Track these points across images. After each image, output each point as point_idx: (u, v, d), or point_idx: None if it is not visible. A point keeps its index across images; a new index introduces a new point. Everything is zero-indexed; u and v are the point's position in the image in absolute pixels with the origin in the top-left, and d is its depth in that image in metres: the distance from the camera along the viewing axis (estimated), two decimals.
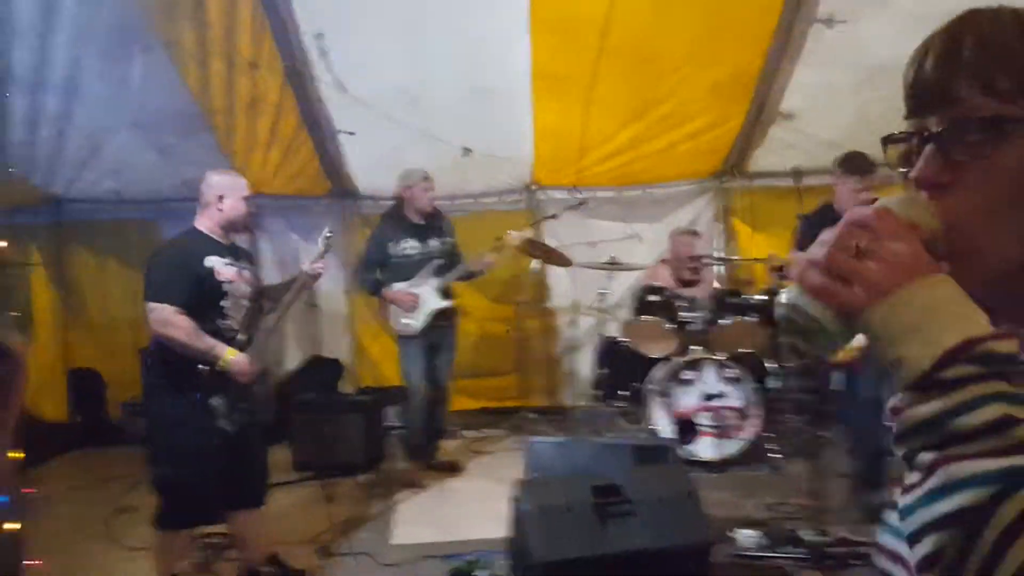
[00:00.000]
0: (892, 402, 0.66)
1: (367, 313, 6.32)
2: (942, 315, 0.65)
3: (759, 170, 6.10)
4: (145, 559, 3.47)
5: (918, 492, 0.62)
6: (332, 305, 6.52)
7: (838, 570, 3.42)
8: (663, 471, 3.39)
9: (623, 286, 6.05)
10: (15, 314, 4.16)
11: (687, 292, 5.44)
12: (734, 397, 4.97)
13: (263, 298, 3.53)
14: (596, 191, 6.29)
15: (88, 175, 5.52)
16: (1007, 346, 0.63)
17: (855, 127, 5.62)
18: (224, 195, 3.27)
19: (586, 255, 5.97)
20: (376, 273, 5.08)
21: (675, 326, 5.23)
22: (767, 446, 5.04)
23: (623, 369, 5.60)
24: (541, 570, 2.80)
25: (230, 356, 3.16)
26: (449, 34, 4.70)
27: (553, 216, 5.92)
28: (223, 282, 3.23)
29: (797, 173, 3.97)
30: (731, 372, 4.99)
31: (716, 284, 6.07)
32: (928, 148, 0.75)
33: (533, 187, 6.34)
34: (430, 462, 5.22)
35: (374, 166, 5.87)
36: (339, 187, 6.30)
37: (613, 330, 5.77)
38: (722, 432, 4.93)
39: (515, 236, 5.10)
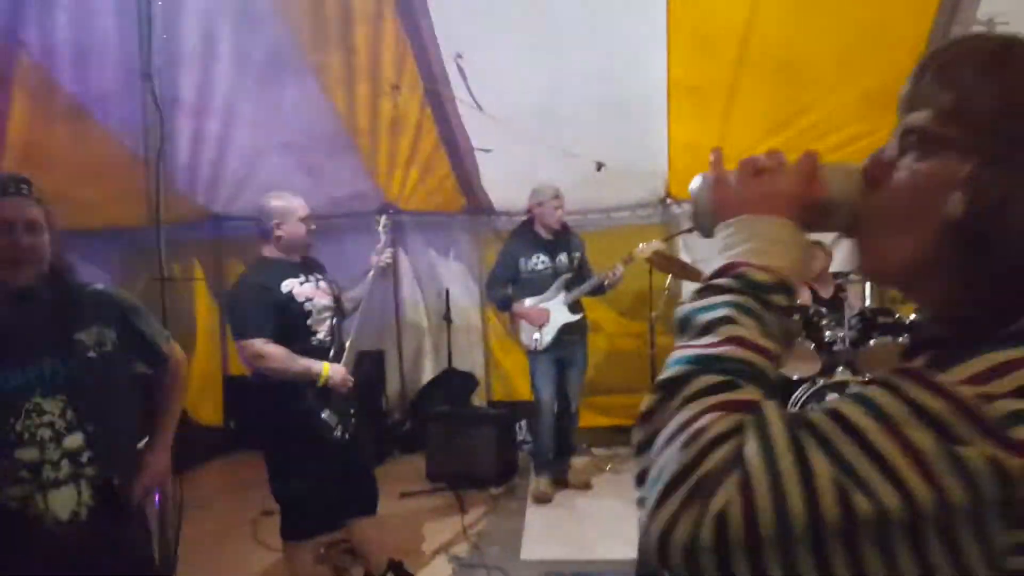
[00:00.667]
0: None
1: (500, 327, 6.41)
2: (751, 245, 0.85)
3: None
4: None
5: None
6: (466, 319, 6.64)
7: None
8: None
9: None
10: (179, 324, 4.50)
11: (830, 310, 5.18)
12: None
13: (341, 304, 3.60)
14: None
15: (245, 194, 5.89)
16: (761, 276, 0.82)
17: None
18: (281, 221, 3.32)
19: None
20: (507, 289, 5.13)
21: (817, 346, 4.98)
22: None
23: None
24: None
25: (326, 372, 3.25)
26: (584, 48, 4.69)
27: (689, 230, 5.75)
28: (303, 302, 3.29)
29: None
30: None
31: (867, 302, 5.76)
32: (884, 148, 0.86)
33: (668, 201, 6.23)
34: (560, 478, 5.21)
35: (508, 182, 5.95)
36: (474, 203, 6.42)
37: None
38: None
39: (645, 248, 5.02)
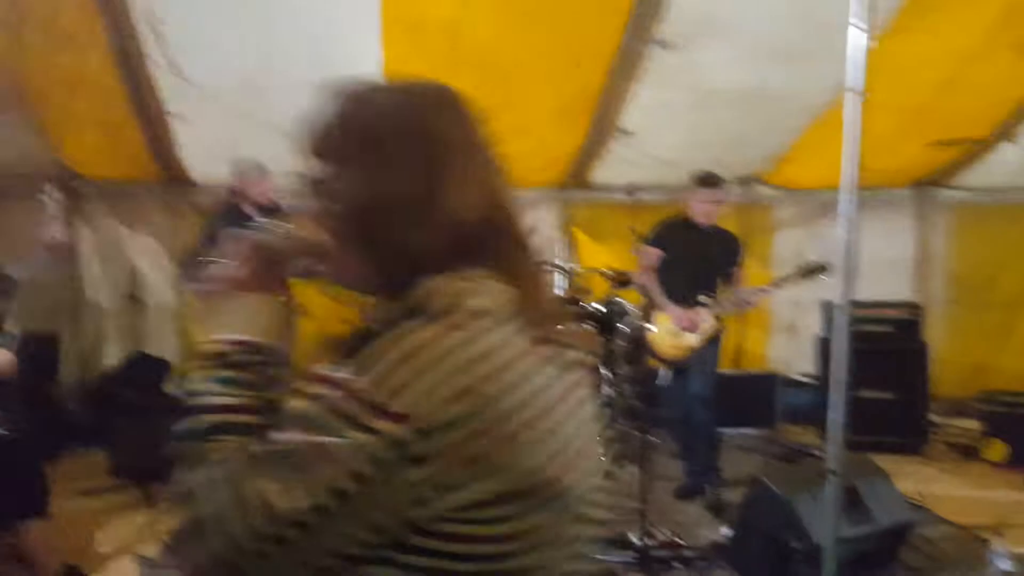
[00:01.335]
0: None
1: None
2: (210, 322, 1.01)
3: (599, 183, 6.31)
4: None
5: None
6: (159, 299, 6.13)
7: (662, 573, 3.58)
8: None
9: None
10: None
11: None
12: None
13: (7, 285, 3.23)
14: None
15: None
16: (213, 347, 0.98)
17: (689, 146, 5.94)
18: None
19: None
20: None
21: None
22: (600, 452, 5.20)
23: None
24: None
25: None
26: (294, 27, 4.54)
27: None
28: None
29: (632, 188, 4.20)
30: None
31: (559, 292, 6.22)
32: None
33: None
34: None
35: (212, 155, 5.57)
36: (170, 174, 5.93)
37: None
38: None
39: None
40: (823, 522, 2.85)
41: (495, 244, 0.97)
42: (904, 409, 5.64)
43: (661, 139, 5.74)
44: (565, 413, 0.93)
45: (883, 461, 4.99)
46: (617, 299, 5.55)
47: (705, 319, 4.59)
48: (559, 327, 1.00)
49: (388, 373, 0.82)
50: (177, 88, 4.95)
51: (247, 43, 4.64)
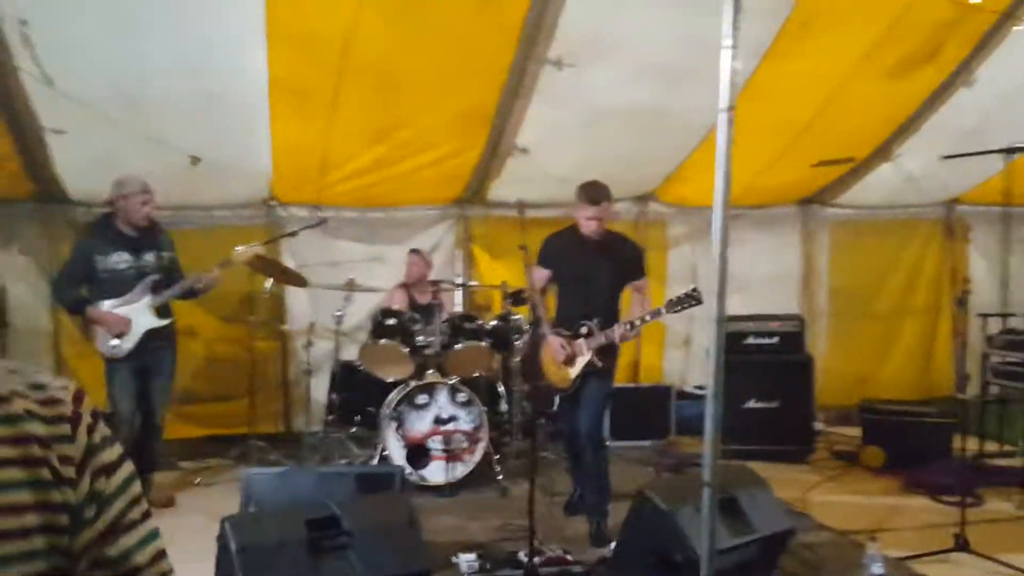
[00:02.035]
0: None
1: (75, 330, 5.68)
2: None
3: (497, 200, 6.33)
4: None
5: None
6: (32, 321, 5.79)
7: None
8: (385, 499, 3.35)
9: (363, 309, 5.97)
10: None
11: (424, 316, 5.48)
12: (465, 420, 5.06)
13: None
14: (339, 211, 6.18)
15: None
16: None
17: (583, 164, 5.98)
18: None
19: (328, 275, 5.83)
20: (78, 289, 4.59)
21: (411, 350, 5.24)
22: (496, 468, 5.18)
23: (359, 394, 5.52)
24: None
25: None
26: (174, 36, 4.37)
27: (292, 234, 5.70)
28: None
29: (521, 205, 4.19)
30: (463, 396, 5.09)
31: (459, 309, 6.20)
32: None
33: (272, 203, 6.08)
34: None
35: (88, 170, 5.31)
36: (45, 191, 5.63)
37: (350, 354, 5.68)
38: (453, 456, 5.00)
39: (242, 252, 4.83)
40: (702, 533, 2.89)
41: None
42: (789, 418, 5.84)
43: (555, 157, 5.80)
44: None
45: (769, 469, 5.15)
46: (514, 315, 5.57)
47: (583, 352, 4.26)
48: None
49: None
50: (52, 102, 4.70)
51: (123, 54, 4.45)
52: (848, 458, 5.77)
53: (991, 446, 5.59)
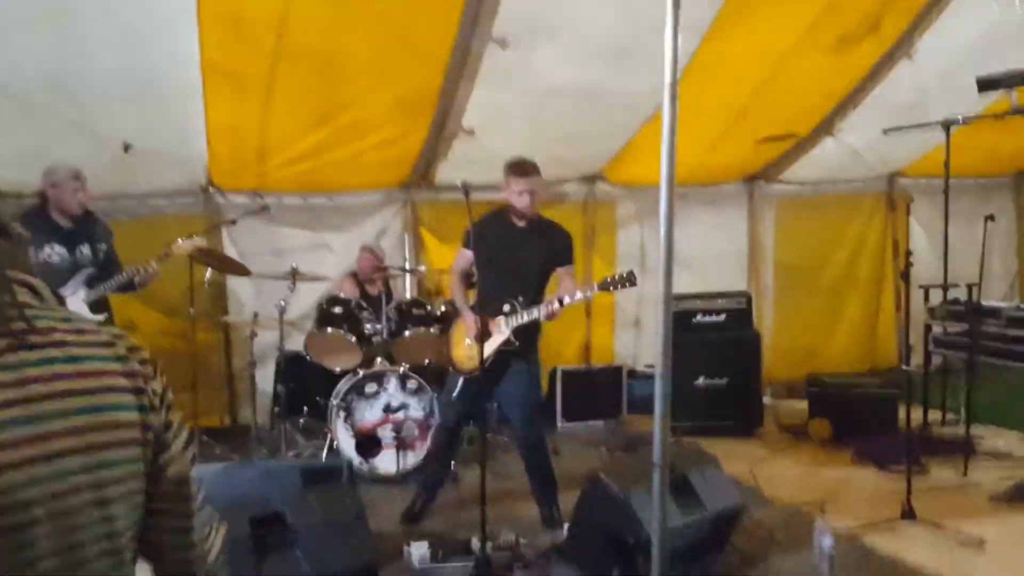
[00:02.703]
0: None
1: None
2: None
3: (444, 183, 6.22)
4: None
5: None
6: None
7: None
8: (331, 493, 3.27)
9: (308, 298, 5.84)
10: None
11: (371, 303, 5.37)
12: (416, 408, 4.99)
13: None
14: (281, 197, 6.02)
15: None
16: None
17: (530, 145, 5.91)
18: None
19: (271, 264, 5.68)
20: None
21: (358, 338, 5.14)
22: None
23: (307, 384, 5.41)
24: None
25: None
26: (102, 20, 4.18)
27: (232, 221, 5.55)
28: None
29: (466, 187, 4.09)
30: (413, 383, 5.01)
31: (407, 295, 6.11)
32: None
33: (210, 190, 5.89)
34: None
35: (15, 159, 5.07)
36: None
37: (296, 344, 5.55)
38: (403, 444, 4.92)
39: (183, 244, 4.68)
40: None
41: None
42: (739, 394, 5.89)
43: (502, 138, 5.71)
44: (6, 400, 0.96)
45: (720, 445, 5.21)
46: None
47: (500, 330, 4.13)
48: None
49: None
50: None
51: (51, 40, 4.24)
52: (796, 432, 5.85)
53: (935, 415, 5.71)
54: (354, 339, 5.12)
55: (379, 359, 5.12)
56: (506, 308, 4.14)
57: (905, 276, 4.50)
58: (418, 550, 3.65)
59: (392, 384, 4.99)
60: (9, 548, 0.94)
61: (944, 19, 5.18)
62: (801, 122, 6.36)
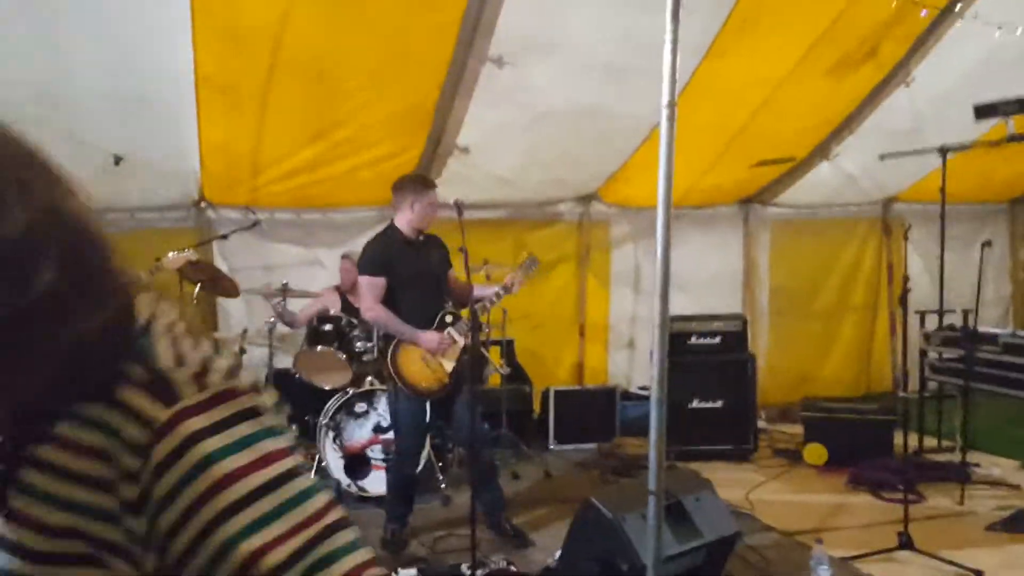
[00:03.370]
0: None
1: None
2: None
3: (439, 201, 6.17)
4: None
5: None
6: None
7: None
8: None
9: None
10: None
11: (354, 314, 5.31)
12: None
13: None
14: (273, 212, 5.97)
15: None
16: None
17: (526, 165, 5.93)
18: None
19: (263, 279, 5.62)
20: None
21: (348, 356, 5.07)
22: (439, 477, 5.05)
23: (295, 403, 5.33)
24: None
25: None
26: (96, 32, 4.15)
27: (224, 236, 5.50)
28: None
29: (459, 205, 4.08)
30: None
31: None
32: None
33: (202, 204, 5.84)
34: None
35: None
36: None
37: (285, 361, 5.48)
38: None
39: (174, 258, 4.63)
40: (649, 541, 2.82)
41: None
42: (733, 418, 5.83)
43: (497, 157, 5.70)
44: None
45: (713, 469, 5.15)
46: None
47: (456, 339, 4.21)
48: None
49: None
50: None
51: (44, 52, 4.21)
52: (791, 456, 5.79)
53: (930, 441, 5.66)
54: (344, 357, 5.05)
55: (369, 378, 5.05)
56: (448, 318, 4.24)
57: (903, 301, 4.47)
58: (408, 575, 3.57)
59: (382, 403, 4.92)
60: None
61: (942, 46, 5.19)
62: (798, 146, 6.36)
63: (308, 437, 5.23)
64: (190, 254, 4.81)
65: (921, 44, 5.23)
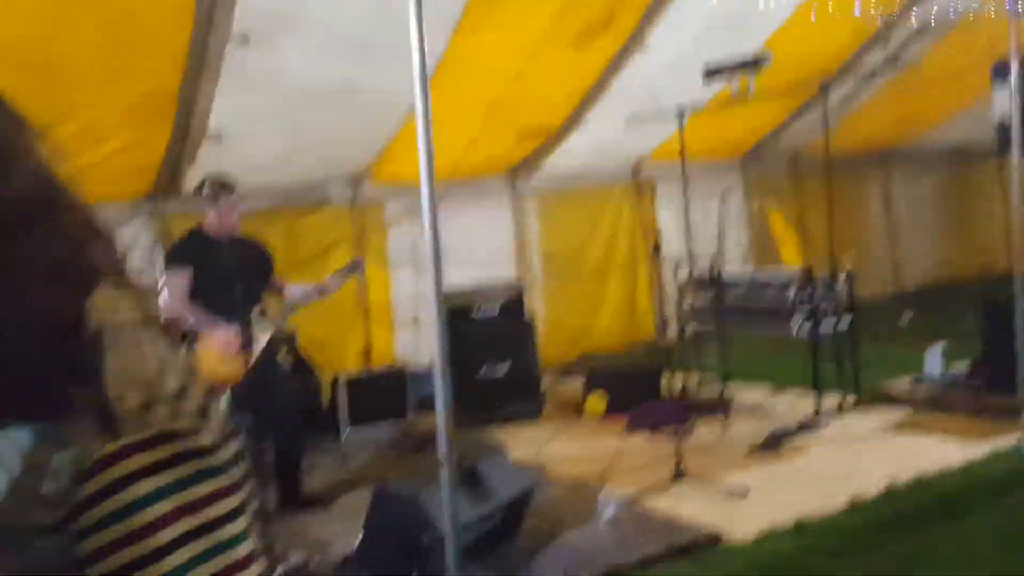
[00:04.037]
0: None
1: None
2: None
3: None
4: None
5: None
6: None
7: None
8: None
9: None
10: None
11: None
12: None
13: None
14: None
15: None
16: None
17: (287, 148, 5.71)
18: None
19: None
20: None
21: None
22: None
23: None
24: None
25: None
26: None
27: None
28: None
29: (212, 189, 3.87)
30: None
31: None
32: None
33: None
34: None
35: None
36: None
37: None
38: None
39: None
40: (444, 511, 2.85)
41: None
42: (519, 381, 6.05)
43: (255, 142, 5.43)
44: None
45: (505, 432, 5.31)
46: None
47: (258, 338, 4.13)
48: None
49: None
50: None
51: None
52: (575, 410, 6.10)
53: (693, 378, 6.20)
54: None
55: None
56: (253, 316, 4.16)
57: (656, 254, 4.83)
58: None
59: None
60: None
61: (672, 11, 5.59)
62: (553, 115, 6.63)
63: None
64: None
65: (654, 11, 5.61)
